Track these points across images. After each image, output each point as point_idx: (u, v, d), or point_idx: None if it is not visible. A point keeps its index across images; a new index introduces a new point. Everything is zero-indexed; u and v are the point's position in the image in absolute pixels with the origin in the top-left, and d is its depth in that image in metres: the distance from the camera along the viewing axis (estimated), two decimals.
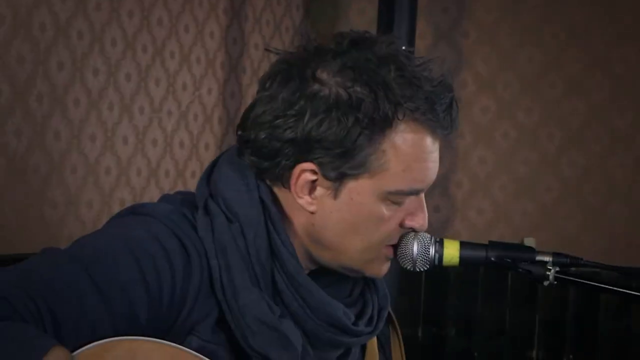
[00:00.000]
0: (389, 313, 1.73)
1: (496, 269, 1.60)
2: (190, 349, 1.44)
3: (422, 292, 3.90)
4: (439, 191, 3.89)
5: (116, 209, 2.98)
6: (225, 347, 1.48)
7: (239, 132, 1.57)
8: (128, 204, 2.98)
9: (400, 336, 1.76)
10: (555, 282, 1.56)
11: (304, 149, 1.49)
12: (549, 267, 1.56)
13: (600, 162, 3.68)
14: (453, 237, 3.60)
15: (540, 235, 3.76)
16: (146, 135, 3.11)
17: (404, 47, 1.57)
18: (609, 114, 3.66)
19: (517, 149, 3.79)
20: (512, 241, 3.44)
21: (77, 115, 2.83)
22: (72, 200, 2.83)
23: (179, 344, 1.44)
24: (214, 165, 1.59)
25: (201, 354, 1.45)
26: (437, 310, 3.87)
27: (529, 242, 3.76)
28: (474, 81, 3.83)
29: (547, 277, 1.55)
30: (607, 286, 1.63)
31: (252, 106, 1.54)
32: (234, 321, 1.48)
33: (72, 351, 1.31)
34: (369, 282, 1.65)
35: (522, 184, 3.79)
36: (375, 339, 1.70)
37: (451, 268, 3.57)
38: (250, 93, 3.69)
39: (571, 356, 3.69)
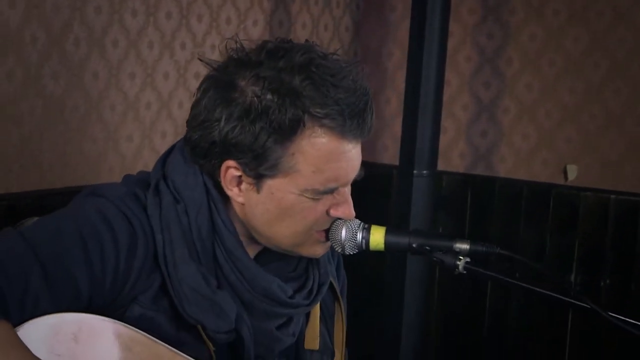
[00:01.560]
0: (335, 291, 1.90)
1: (413, 254, 1.72)
2: (132, 316, 1.65)
3: (467, 214, 4.01)
4: (487, 116, 3.97)
5: (157, 141, 3.19)
6: (166, 313, 1.69)
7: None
8: (170, 137, 3.20)
9: (344, 313, 1.92)
10: (465, 272, 1.68)
11: (225, 151, 1.66)
12: (459, 258, 1.67)
13: None
14: (497, 162, 3.74)
15: (582, 163, 3.81)
16: (188, 69, 3.27)
17: (329, 54, 1.70)
18: None
19: (562, 76, 3.81)
20: (552, 170, 3.58)
21: (115, 55, 3.00)
22: (111, 135, 3.03)
23: (122, 312, 1.65)
24: (171, 149, 1.78)
25: (142, 319, 1.66)
26: (481, 232, 3.98)
27: (571, 169, 3.83)
28: (522, 8, 3.84)
29: (457, 267, 1.67)
30: (513, 281, 1.70)
31: (191, 108, 1.71)
32: (174, 290, 1.67)
33: (15, 325, 1.53)
34: (312, 260, 1.82)
35: (566, 112, 3.82)
36: (318, 311, 1.87)
37: (497, 191, 3.69)
38: (300, 21, 3.81)
39: (608, 281, 3.76)
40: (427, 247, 1.72)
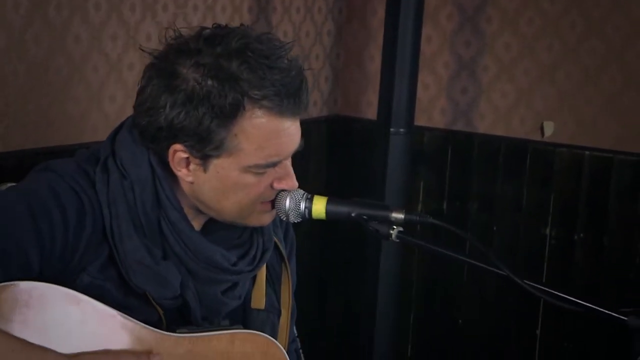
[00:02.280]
0: (282, 254, 2.02)
1: (353, 223, 1.84)
2: (82, 285, 1.78)
3: (447, 169, 4.12)
4: (467, 74, 4.06)
5: None
6: (114, 281, 1.82)
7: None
8: None
9: (291, 274, 2.05)
10: (397, 240, 1.79)
11: (172, 135, 1.78)
12: (393, 227, 1.79)
13: (619, 51, 3.75)
14: (476, 118, 3.83)
15: (558, 120, 3.91)
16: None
17: (263, 34, 1.80)
18: (629, 6, 3.71)
19: (540, 36, 3.89)
20: (530, 126, 3.68)
21: (97, 18, 3.11)
22: (94, 96, 3.14)
23: (72, 280, 1.78)
24: (121, 126, 1.89)
25: (91, 287, 1.79)
26: (461, 186, 4.10)
27: (548, 125, 3.92)
28: None
29: (390, 236, 1.79)
30: (445, 251, 1.79)
31: (137, 94, 1.82)
32: (120, 262, 1.81)
33: None
34: (257, 227, 1.94)
35: (544, 70, 3.91)
36: (264, 273, 2.00)
37: (476, 147, 3.78)
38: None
39: (582, 234, 3.87)
40: (365, 217, 1.83)
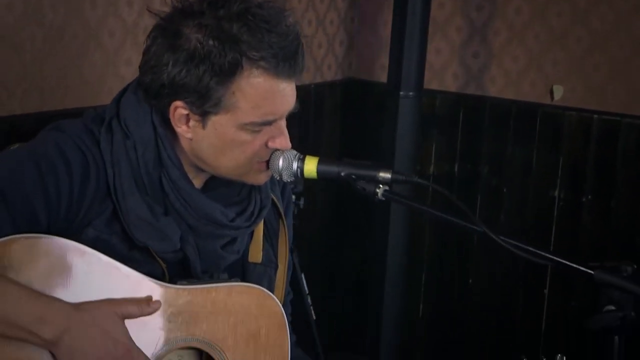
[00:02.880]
0: (279, 211, 2.12)
1: (342, 183, 1.93)
2: (88, 239, 1.89)
3: (459, 132, 4.20)
4: (479, 38, 4.13)
5: None
6: (119, 235, 1.93)
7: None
8: None
9: (287, 230, 2.14)
10: (383, 199, 1.88)
11: (174, 91, 1.88)
12: (379, 186, 1.88)
13: (627, 18, 3.80)
14: (487, 82, 3.90)
15: (567, 84, 3.97)
16: None
17: (264, 1, 1.89)
18: None
19: (551, 1, 3.95)
20: (540, 90, 3.74)
21: None
22: (111, 60, 3.24)
23: (79, 235, 1.89)
24: (125, 89, 2.00)
25: (97, 241, 1.90)
26: (472, 149, 4.18)
27: (557, 89, 3.99)
28: None
29: (377, 194, 1.88)
30: (424, 207, 1.88)
31: (142, 54, 1.92)
32: (123, 217, 1.91)
33: None
34: (255, 185, 2.04)
35: (554, 35, 3.97)
36: (262, 229, 2.10)
37: (487, 110, 3.85)
38: None
39: (589, 197, 3.95)
40: (353, 176, 1.91)
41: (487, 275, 4.18)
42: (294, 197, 3.45)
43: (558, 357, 2.07)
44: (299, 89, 4.18)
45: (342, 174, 1.93)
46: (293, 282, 2.34)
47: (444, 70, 4.21)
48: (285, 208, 2.18)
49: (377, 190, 1.89)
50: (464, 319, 4.27)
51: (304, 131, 4.20)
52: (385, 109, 3.82)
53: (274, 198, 2.12)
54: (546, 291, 4.06)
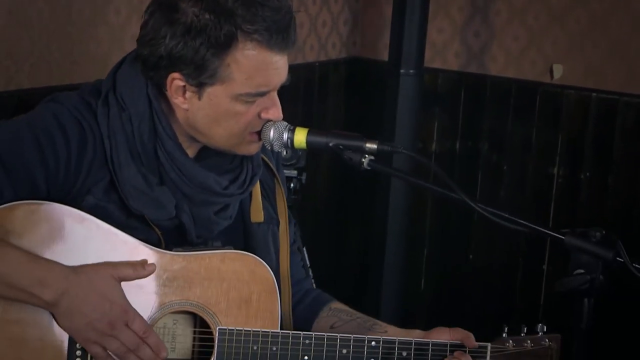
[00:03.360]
0: (272, 169, 2.20)
1: (330, 153, 2.01)
2: (87, 206, 1.98)
3: (461, 110, 4.28)
4: (480, 18, 4.19)
5: None
6: (116, 204, 2.02)
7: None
8: None
9: (282, 185, 2.24)
10: (369, 168, 1.96)
11: (171, 63, 1.96)
12: (365, 156, 1.96)
13: None
14: (489, 61, 3.96)
15: (567, 63, 4.03)
16: None
17: None
18: None
19: None
20: (540, 69, 3.80)
21: None
22: (117, 36, 3.33)
23: (79, 202, 1.98)
24: (121, 62, 2.08)
25: (96, 208, 1.99)
26: (473, 126, 4.25)
27: (557, 68, 4.05)
28: None
29: (362, 164, 1.96)
30: (405, 176, 1.96)
31: (140, 28, 2.00)
32: (120, 187, 2.00)
33: None
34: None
35: (554, 15, 4.02)
36: (259, 189, 2.18)
37: (488, 88, 3.91)
38: None
39: (588, 174, 4.02)
40: (341, 147, 2.00)
41: (487, 251, 4.26)
42: (295, 172, 3.55)
43: (539, 327, 2.16)
44: (303, 67, 4.29)
45: (330, 144, 2.02)
46: None
47: (446, 49, 4.27)
48: (276, 165, 2.26)
49: (363, 160, 1.97)
50: (465, 293, 4.35)
51: (308, 109, 4.28)
52: (387, 87, 3.89)
53: (265, 158, 2.21)
54: (545, 267, 4.13)
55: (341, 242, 4.60)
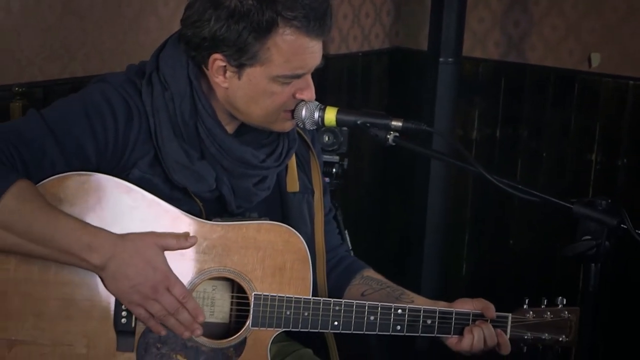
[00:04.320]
0: (307, 143, 2.35)
1: (358, 130, 2.14)
2: (134, 178, 2.13)
3: (501, 98, 4.38)
4: (519, 8, 4.29)
5: None
6: (161, 177, 2.16)
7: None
8: None
9: (317, 157, 2.38)
10: (394, 144, 2.09)
11: (214, 45, 2.10)
12: (390, 132, 2.09)
13: None
14: (528, 50, 4.06)
15: (604, 51, 4.11)
16: None
17: None
18: None
19: None
20: (578, 57, 3.90)
21: None
22: (165, 27, 3.49)
23: (126, 175, 2.13)
24: (164, 44, 2.23)
25: (142, 180, 2.13)
26: (513, 114, 4.35)
27: (595, 57, 4.14)
28: None
29: (387, 140, 2.09)
30: (428, 151, 2.08)
31: (185, 10, 2.15)
32: (163, 161, 2.15)
33: (37, 183, 2.04)
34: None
35: (591, 4, 4.11)
36: (295, 161, 2.33)
37: (527, 77, 4.00)
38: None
39: (625, 160, 4.09)
40: (368, 124, 2.13)
41: (527, 235, 4.35)
42: (337, 157, 3.67)
43: (559, 300, 2.27)
44: (346, 57, 4.41)
45: (358, 122, 2.14)
46: None
47: (486, 39, 4.38)
48: (311, 139, 2.39)
49: (388, 136, 2.09)
50: (504, 278, 4.45)
51: (351, 98, 4.41)
52: (426, 75, 4.01)
53: (300, 132, 2.34)
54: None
55: (383, 227, 4.73)
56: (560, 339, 2.27)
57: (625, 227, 1.80)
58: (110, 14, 3.31)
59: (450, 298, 4.35)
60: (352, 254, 3.84)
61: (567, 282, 4.25)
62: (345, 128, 3.46)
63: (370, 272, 2.43)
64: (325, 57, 4.00)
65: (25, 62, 3.10)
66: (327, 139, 3.62)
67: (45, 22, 3.14)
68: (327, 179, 3.68)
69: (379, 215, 4.71)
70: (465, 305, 2.26)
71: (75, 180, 2.07)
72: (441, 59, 3.86)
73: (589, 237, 1.82)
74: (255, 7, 2.05)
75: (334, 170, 3.66)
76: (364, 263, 2.48)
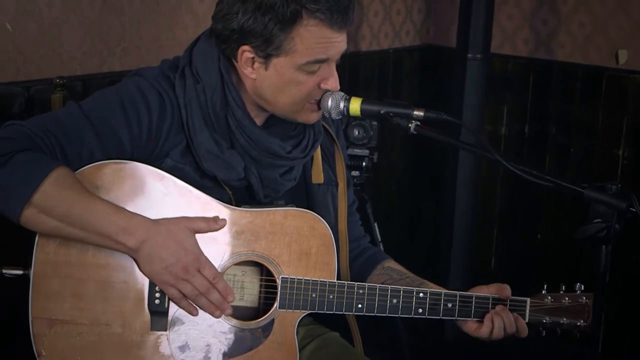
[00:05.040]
0: (332, 137, 2.44)
1: (382, 120, 2.23)
2: (166, 167, 2.24)
3: (529, 95, 4.45)
4: (547, 6, 4.36)
5: None
6: (192, 165, 2.27)
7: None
8: None
9: (341, 151, 2.48)
10: (415, 132, 2.18)
11: (242, 37, 2.20)
12: (411, 121, 2.18)
13: None
14: (557, 47, 4.13)
15: (632, 48, 4.17)
16: None
17: None
18: None
19: None
20: (605, 54, 3.96)
21: None
22: (201, 23, 3.60)
23: (159, 164, 2.24)
24: (197, 40, 2.34)
25: (174, 169, 2.24)
26: (541, 110, 4.42)
27: (622, 53, 4.20)
28: None
29: (409, 128, 2.18)
30: (447, 139, 2.17)
31: (216, 5, 2.25)
32: (195, 151, 2.25)
33: (76, 170, 2.15)
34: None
35: (618, 1, 4.17)
36: (320, 153, 2.43)
37: (555, 73, 4.06)
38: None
39: None
40: (391, 114, 2.22)
41: (555, 230, 4.42)
42: (367, 151, 3.76)
43: (577, 286, 2.35)
44: (378, 53, 4.49)
45: (382, 111, 2.24)
46: (366, 231, 2.67)
47: (515, 36, 4.45)
48: (336, 132, 2.49)
49: (410, 125, 2.18)
50: (533, 271, 4.52)
51: (382, 94, 4.50)
52: (455, 71, 4.09)
53: (325, 125, 2.43)
54: (609, 246, 4.26)
55: (413, 220, 4.82)
56: (579, 324, 2.34)
57: (634, 210, 1.87)
58: (147, 11, 3.42)
59: None
60: (381, 246, 3.97)
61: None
62: (375, 122, 3.60)
63: (391, 263, 2.52)
64: (357, 53, 4.16)
65: (66, 56, 3.22)
66: (357, 133, 3.71)
67: (85, 18, 3.26)
68: (357, 172, 3.78)
69: (409, 209, 4.80)
70: (482, 291, 2.34)
71: (111, 168, 2.17)
72: (469, 55, 3.94)
73: (599, 220, 1.90)
74: (281, 0, 2.14)
75: (363, 163, 3.74)
76: (385, 254, 2.57)
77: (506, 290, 2.31)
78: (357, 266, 2.51)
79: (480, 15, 3.91)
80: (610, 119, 4.24)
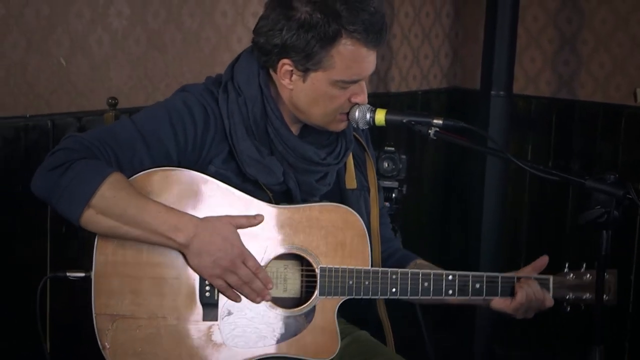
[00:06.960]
0: (362, 145, 2.65)
1: (406, 128, 2.44)
2: (210, 173, 2.44)
3: (552, 133, 4.64)
4: (569, 48, 4.58)
5: None
6: (234, 171, 2.47)
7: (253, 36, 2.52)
8: None
9: (372, 158, 2.68)
10: (435, 138, 2.39)
11: (283, 51, 2.42)
12: (431, 128, 2.39)
13: None
14: (578, 87, 4.33)
15: None
16: None
17: None
18: None
19: (633, 10, 4.37)
20: (625, 92, 4.15)
21: None
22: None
23: (203, 170, 2.44)
24: (238, 57, 2.56)
25: (217, 175, 2.43)
26: (564, 148, 4.62)
27: None
28: None
29: (429, 134, 2.39)
30: (467, 143, 2.37)
31: (258, 20, 2.47)
32: (238, 157, 2.46)
33: (128, 177, 2.35)
34: (342, 131, 2.57)
35: (636, 42, 4.37)
36: (352, 160, 2.63)
37: (577, 112, 4.27)
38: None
39: None
40: (413, 122, 2.43)
41: (580, 233, 4.54)
42: (396, 183, 3.93)
43: (584, 266, 2.51)
44: (406, 94, 4.69)
45: (404, 120, 2.44)
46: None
47: (537, 77, 4.66)
48: (366, 141, 2.69)
49: (430, 131, 2.39)
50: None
51: (411, 134, 4.69)
52: (479, 109, 4.30)
53: (356, 135, 2.63)
54: (635, 249, 4.41)
55: (442, 252, 4.97)
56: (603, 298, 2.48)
57: (630, 197, 2.07)
58: (189, 49, 3.66)
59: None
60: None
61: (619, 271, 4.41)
62: (404, 156, 3.79)
63: (422, 261, 2.70)
64: (387, 94, 4.36)
65: (114, 90, 3.46)
66: (386, 165, 3.90)
67: (132, 55, 3.50)
68: (387, 204, 3.97)
69: (438, 241, 4.96)
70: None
71: (160, 174, 2.38)
72: (492, 92, 4.14)
73: (599, 207, 2.10)
74: (323, 20, 2.36)
75: (393, 195, 3.91)
76: (415, 255, 2.75)
77: (542, 260, 2.52)
78: (390, 264, 2.67)
79: (503, 54, 4.13)
80: (631, 155, 4.41)
